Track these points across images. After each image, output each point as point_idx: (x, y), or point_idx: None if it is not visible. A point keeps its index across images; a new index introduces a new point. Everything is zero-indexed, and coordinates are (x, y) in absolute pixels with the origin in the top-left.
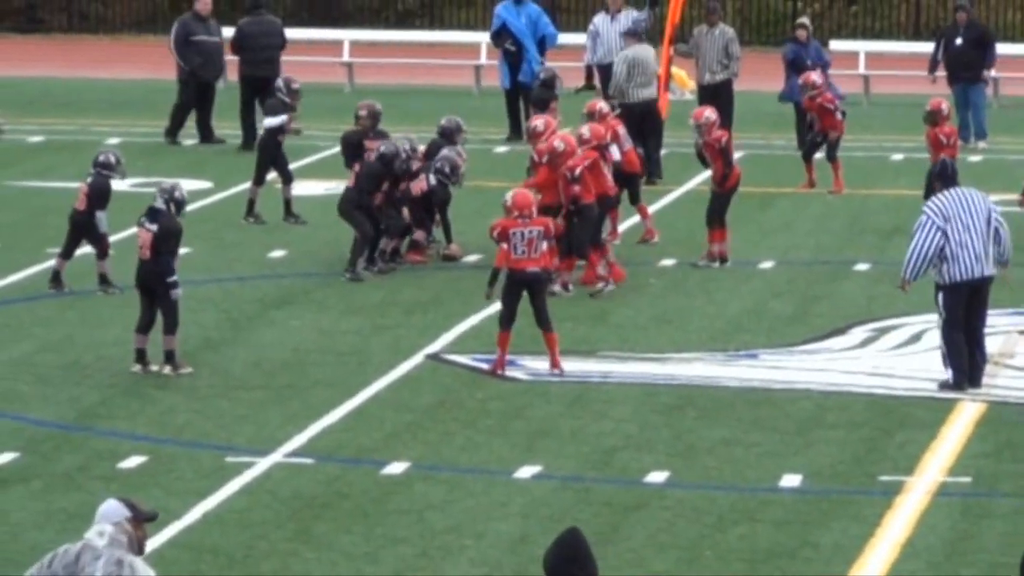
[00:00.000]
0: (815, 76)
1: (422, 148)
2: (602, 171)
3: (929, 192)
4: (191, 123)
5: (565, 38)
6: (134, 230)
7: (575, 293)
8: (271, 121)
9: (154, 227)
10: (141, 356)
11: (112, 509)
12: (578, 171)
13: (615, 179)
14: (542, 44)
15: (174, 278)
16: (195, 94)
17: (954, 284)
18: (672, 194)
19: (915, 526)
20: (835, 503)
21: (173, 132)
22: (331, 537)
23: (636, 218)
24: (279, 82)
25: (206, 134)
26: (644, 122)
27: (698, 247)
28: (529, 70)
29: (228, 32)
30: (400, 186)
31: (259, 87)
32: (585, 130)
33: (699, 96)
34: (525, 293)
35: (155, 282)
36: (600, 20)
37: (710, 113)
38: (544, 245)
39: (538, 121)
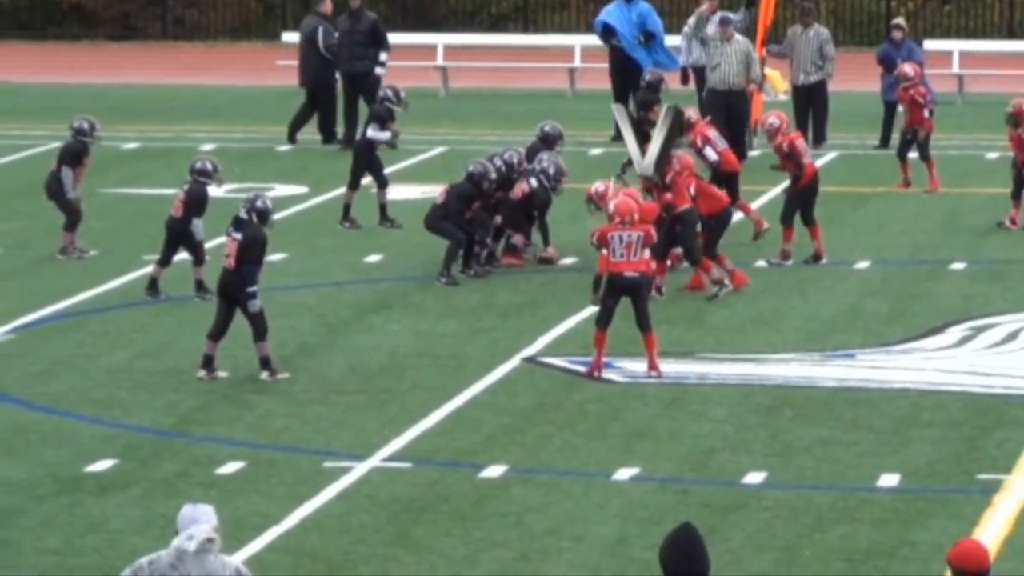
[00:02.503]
0: (908, 68)
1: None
2: (709, 191)
3: (1018, 192)
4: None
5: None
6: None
7: (669, 295)
8: (377, 135)
9: (239, 236)
10: (208, 362)
11: (203, 513)
12: (668, 179)
13: (714, 181)
14: (649, 39)
15: (254, 288)
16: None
17: None
18: (767, 195)
19: (1014, 524)
20: (933, 502)
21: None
22: (429, 541)
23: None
24: (387, 91)
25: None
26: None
27: (798, 248)
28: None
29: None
30: (497, 194)
31: (360, 84)
32: (675, 162)
33: (793, 97)
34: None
35: (236, 290)
36: (694, 22)
37: (774, 119)
38: (646, 252)
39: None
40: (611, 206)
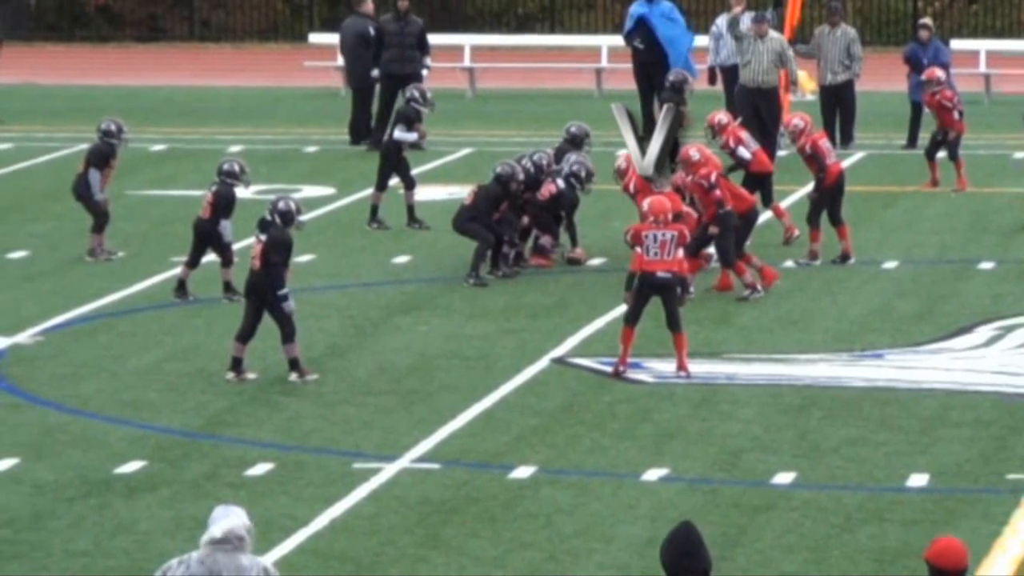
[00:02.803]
0: (939, 72)
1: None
2: (736, 191)
3: None
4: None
5: None
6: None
7: (697, 296)
8: (404, 136)
9: (264, 238)
10: (236, 364)
11: (235, 514)
12: (713, 177)
13: (747, 183)
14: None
15: (284, 291)
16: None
17: None
18: (796, 194)
19: None
20: (962, 502)
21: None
22: (459, 542)
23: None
24: (414, 91)
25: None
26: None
27: (826, 248)
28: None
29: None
30: (524, 195)
31: (400, 84)
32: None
33: (821, 97)
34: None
35: (263, 292)
36: (723, 21)
37: (798, 121)
38: (679, 252)
39: (692, 150)
40: (645, 205)
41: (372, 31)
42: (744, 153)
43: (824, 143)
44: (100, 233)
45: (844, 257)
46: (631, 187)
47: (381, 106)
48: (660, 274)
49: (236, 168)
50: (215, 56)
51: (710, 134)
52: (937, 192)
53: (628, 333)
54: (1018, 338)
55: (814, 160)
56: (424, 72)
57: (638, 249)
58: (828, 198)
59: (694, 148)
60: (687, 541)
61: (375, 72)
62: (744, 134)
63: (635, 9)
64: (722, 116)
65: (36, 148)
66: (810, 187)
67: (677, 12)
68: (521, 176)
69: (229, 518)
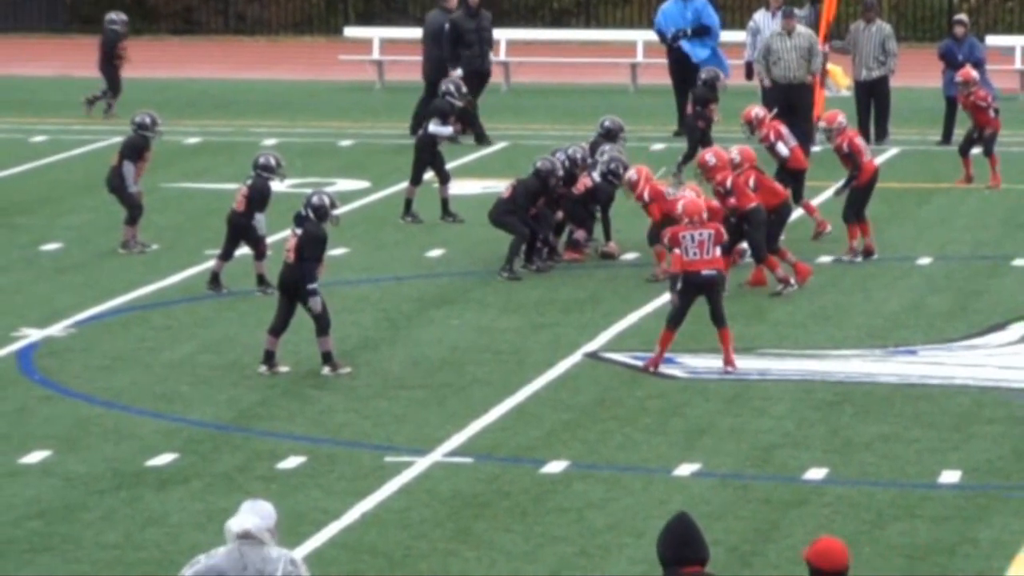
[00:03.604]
0: (974, 73)
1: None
2: (769, 185)
3: None
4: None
5: (726, 35)
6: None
7: (731, 291)
8: (439, 129)
9: (299, 232)
10: (269, 358)
11: (262, 509)
12: (728, 183)
13: (780, 177)
14: (704, 32)
15: (314, 285)
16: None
17: None
18: (830, 190)
19: None
20: (994, 499)
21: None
22: (490, 536)
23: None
24: (449, 85)
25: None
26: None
27: (837, 243)
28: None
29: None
30: (559, 189)
31: (472, 81)
32: (736, 154)
33: (855, 93)
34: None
35: (296, 286)
36: (760, 17)
37: (842, 119)
38: (718, 250)
39: (709, 155)
40: (680, 207)
41: (448, 27)
42: (783, 149)
43: (860, 140)
44: (134, 226)
45: (867, 253)
46: (645, 196)
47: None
48: (705, 272)
49: (272, 162)
50: (250, 49)
51: (748, 130)
52: (971, 188)
53: (668, 336)
54: None
55: (850, 158)
56: (489, 67)
57: (677, 251)
58: (861, 195)
59: (710, 153)
60: (685, 532)
61: (459, 71)
62: (784, 128)
63: (660, 16)
64: (759, 110)
65: (71, 140)
66: (839, 183)
67: (710, 9)
68: (560, 172)
69: (249, 515)
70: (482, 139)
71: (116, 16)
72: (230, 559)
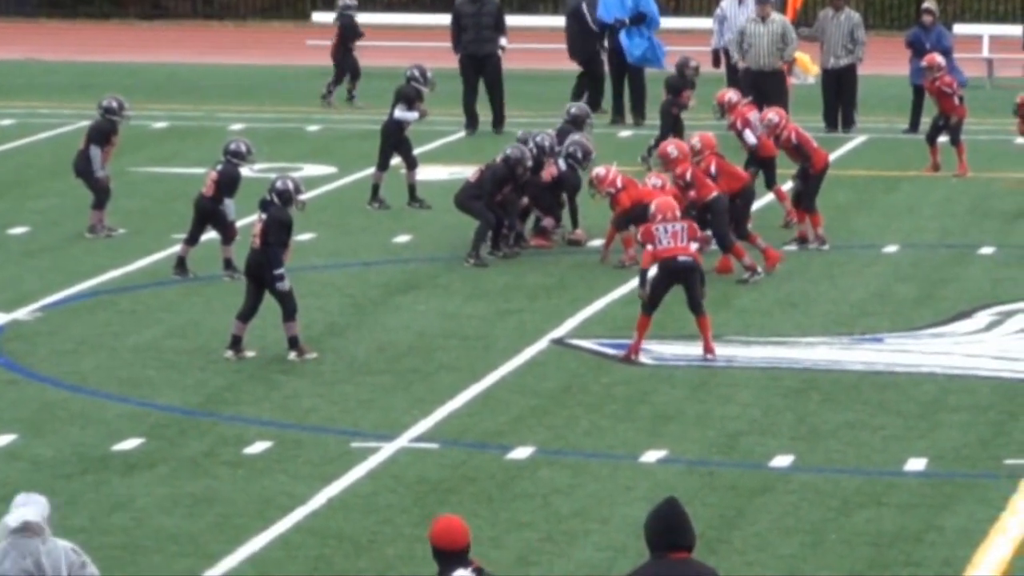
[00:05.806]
0: (939, 58)
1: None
2: (730, 169)
3: None
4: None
5: (692, 22)
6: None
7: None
8: (405, 115)
9: (264, 217)
10: (236, 343)
11: (41, 500)
12: (688, 175)
13: (749, 165)
14: (640, 21)
15: (280, 270)
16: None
17: None
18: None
19: None
20: (960, 487)
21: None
22: None
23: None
24: (414, 71)
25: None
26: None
27: (828, 230)
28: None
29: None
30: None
31: (482, 66)
32: (696, 141)
33: (823, 81)
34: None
35: (262, 271)
36: (727, 4)
37: (773, 115)
38: (692, 245)
39: (670, 147)
40: (653, 206)
41: (584, 6)
42: (750, 137)
43: (803, 132)
44: (101, 210)
45: (802, 240)
46: (618, 183)
47: (467, 89)
48: (681, 258)
49: (243, 148)
50: (218, 34)
51: (719, 113)
52: (938, 177)
53: (645, 321)
54: (1017, 323)
55: (799, 151)
56: (500, 52)
57: (649, 247)
58: (816, 184)
59: (672, 144)
60: (673, 517)
61: (500, 53)
62: (753, 115)
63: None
64: (732, 95)
65: (38, 124)
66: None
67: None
68: (529, 162)
69: (26, 508)
70: (596, 108)
71: (350, 1)
72: (8, 557)
